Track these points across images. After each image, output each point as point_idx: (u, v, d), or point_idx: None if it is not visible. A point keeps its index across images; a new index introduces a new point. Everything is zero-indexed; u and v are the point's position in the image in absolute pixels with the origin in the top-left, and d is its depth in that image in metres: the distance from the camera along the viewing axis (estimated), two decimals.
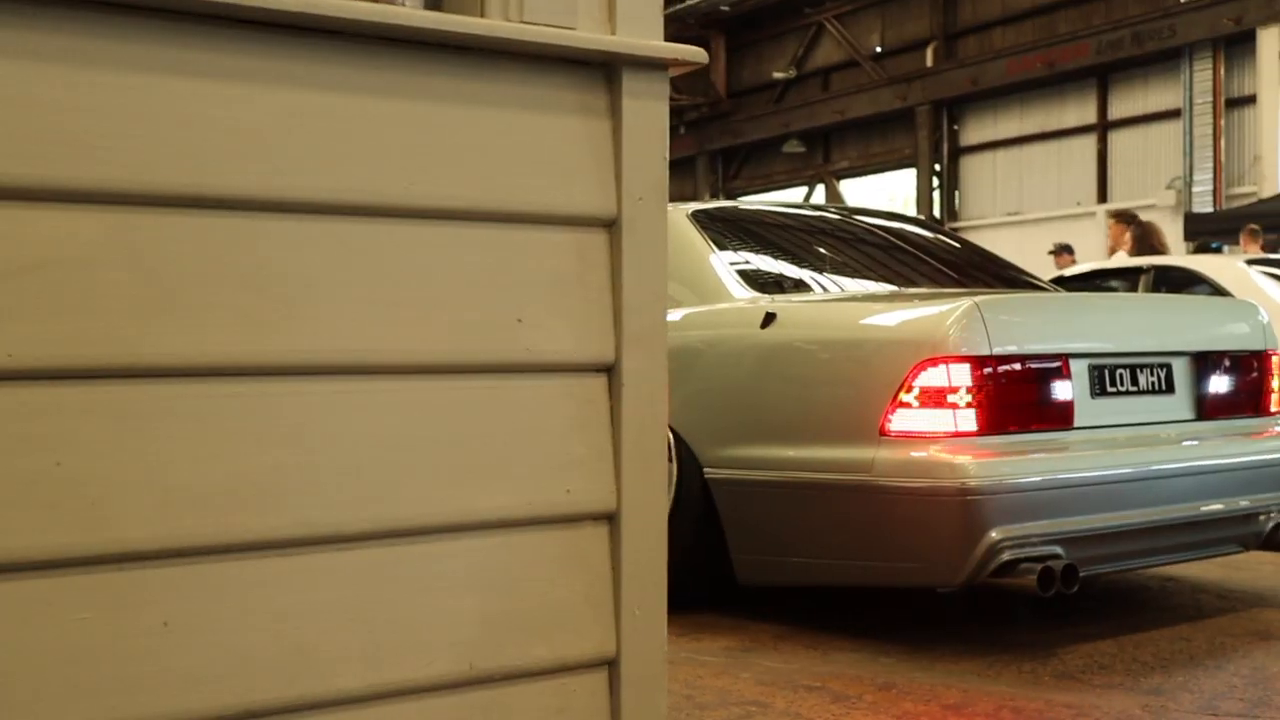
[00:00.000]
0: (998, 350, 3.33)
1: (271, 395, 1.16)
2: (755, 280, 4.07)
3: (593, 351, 1.31)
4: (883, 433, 3.35)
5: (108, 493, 1.09)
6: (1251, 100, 16.25)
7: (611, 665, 1.32)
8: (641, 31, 1.31)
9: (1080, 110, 18.70)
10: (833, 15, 22.44)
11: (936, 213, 20.53)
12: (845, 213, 4.90)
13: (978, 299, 3.36)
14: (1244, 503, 3.74)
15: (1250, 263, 6.56)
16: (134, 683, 1.09)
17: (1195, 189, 16.86)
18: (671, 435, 3.88)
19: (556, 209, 1.28)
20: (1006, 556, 3.23)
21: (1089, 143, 18.61)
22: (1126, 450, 3.53)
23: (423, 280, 1.21)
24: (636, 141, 1.32)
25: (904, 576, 3.39)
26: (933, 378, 3.29)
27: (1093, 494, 3.39)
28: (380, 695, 1.18)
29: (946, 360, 3.28)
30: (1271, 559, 4.53)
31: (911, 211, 20.91)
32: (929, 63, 20.57)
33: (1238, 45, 16.44)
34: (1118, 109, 18.26)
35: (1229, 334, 3.94)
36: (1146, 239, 8.26)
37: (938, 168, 20.76)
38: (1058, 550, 3.30)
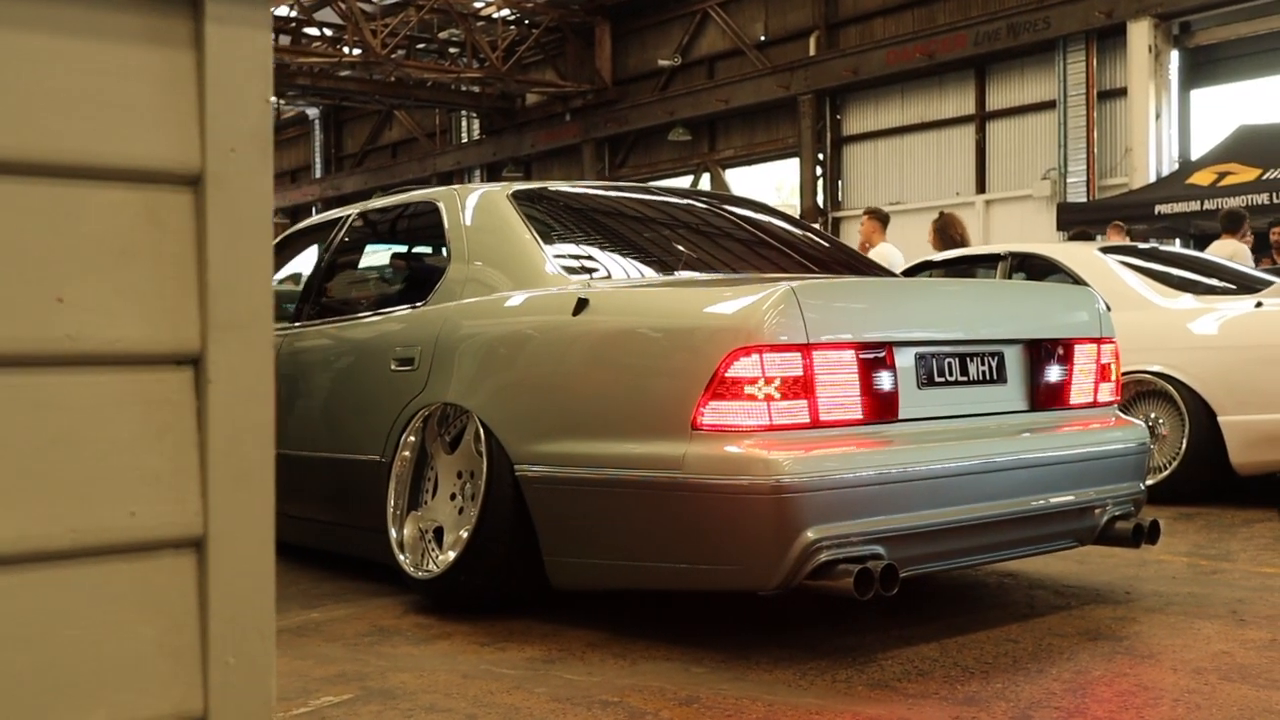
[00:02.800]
0: (815, 338, 3.13)
1: None
2: (573, 265, 3.83)
3: (168, 340, 1.05)
4: (695, 427, 3.14)
5: None
6: (1122, 93, 16.43)
7: None
8: None
9: (959, 101, 18.78)
10: (717, 3, 22.29)
11: (820, 202, 20.52)
12: (679, 196, 4.68)
13: (794, 284, 3.16)
14: (1078, 496, 3.60)
15: (1107, 250, 6.50)
16: None
17: (1069, 180, 17.02)
18: (482, 429, 3.64)
19: (115, 160, 1.02)
20: (824, 557, 3.04)
21: (968, 133, 18.70)
22: (953, 443, 3.36)
23: None
24: (227, 80, 1.06)
25: (717, 580, 3.18)
26: (746, 368, 3.09)
27: (917, 490, 3.21)
28: None
29: (760, 349, 3.08)
30: (1119, 552, 4.41)
31: (795, 201, 20.88)
32: (811, 52, 20.54)
33: (1109, 38, 16.61)
34: (995, 100, 18.37)
35: (1064, 322, 3.80)
36: (946, 230, 8.22)
37: (821, 157, 20.74)
38: (879, 550, 3.12)
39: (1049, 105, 17.40)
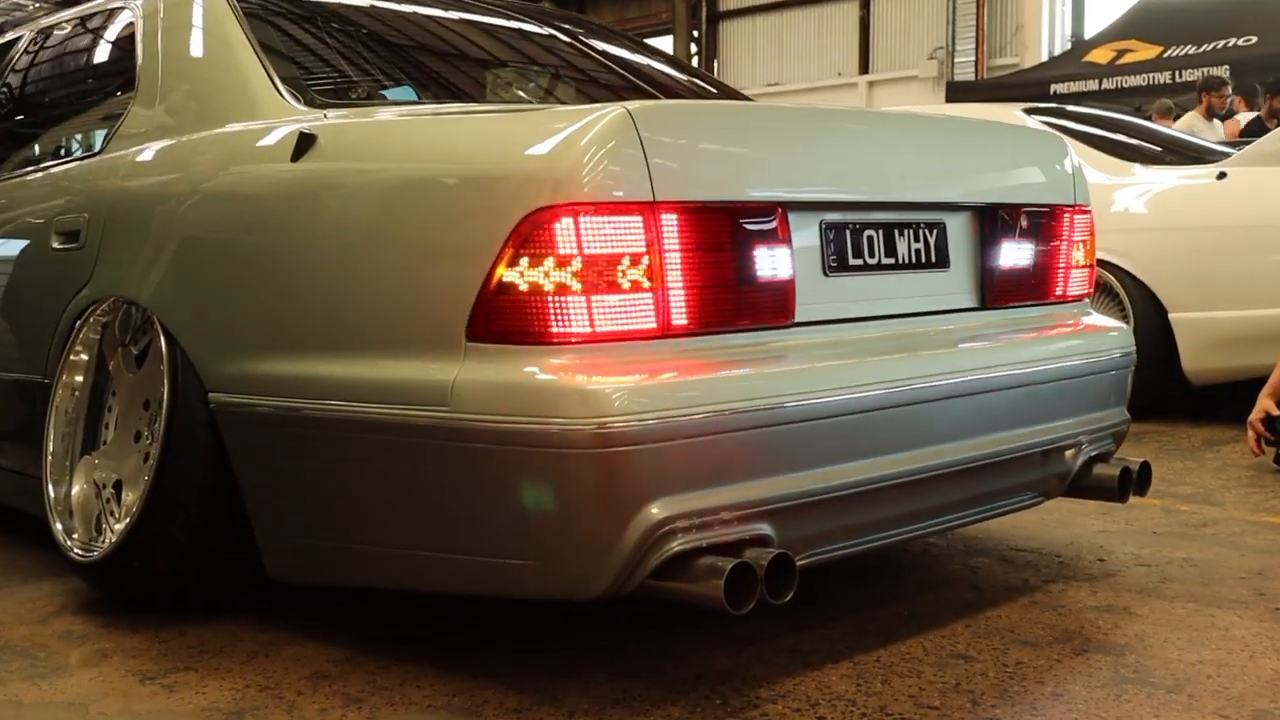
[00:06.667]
0: (666, 194, 1.93)
1: None
2: (313, 90, 2.55)
3: None
4: (471, 336, 1.93)
5: None
6: None
7: None
8: None
9: None
10: None
11: None
12: (490, 6, 3.37)
13: (632, 106, 1.95)
14: (1044, 432, 2.49)
15: (1033, 112, 5.39)
16: None
17: (957, 59, 16.02)
18: (164, 337, 2.38)
19: None
20: (678, 547, 1.88)
21: (851, 10, 17.52)
22: (875, 360, 2.20)
23: None
24: None
25: (508, 582, 1.99)
26: (551, 241, 1.87)
27: (821, 434, 2.05)
28: None
29: (575, 209, 1.87)
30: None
31: None
32: None
33: None
34: None
35: (1027, 181, 2.65)
36: None
37: (696, 34, 19.42)
38: (764, 529, 1.97)
39: None
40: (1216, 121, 8.69)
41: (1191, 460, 3.99)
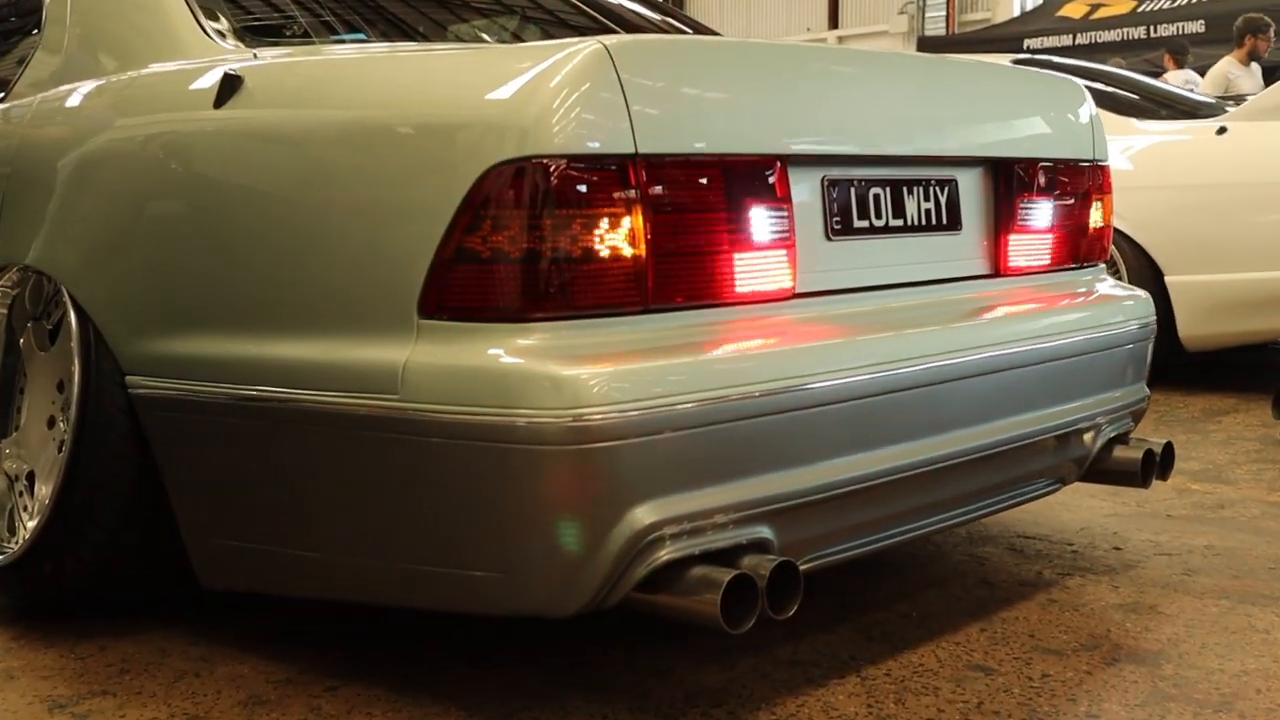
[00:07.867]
0: (650, 145, 1.66)
1: None
2: (239, 26, 2.26)
3: None
4: (425, 313, 1.66)
5: None
6: None
7: None
8: None
9: None
10: None
11: None
12: None
13: (609, 41, 1.67)
14: (1065, 413, 2.24)
15: (1020, 64, 5.13)
16: None
17: (928, 14, 15.75)
18: (74, 312, 2.10)
19: None
20: (667, 555, 1.62)
21: None
22: (887, 338, 1.94)
23: None
24: None
25: (468, 596, 1.72)
26: (518, 200, 1.60)
27: (828, 422, 1.80)
28: None
29: (545, 164, 1.60)
30: None
31: None
32: None
33: None
34: None
35: (1044, 133, 2.40)
36: None
37: None
38: (763, 532, 1.71)
39: None
40: (1255, 66, 7.89)
41: (1194, 433, 3.77)
